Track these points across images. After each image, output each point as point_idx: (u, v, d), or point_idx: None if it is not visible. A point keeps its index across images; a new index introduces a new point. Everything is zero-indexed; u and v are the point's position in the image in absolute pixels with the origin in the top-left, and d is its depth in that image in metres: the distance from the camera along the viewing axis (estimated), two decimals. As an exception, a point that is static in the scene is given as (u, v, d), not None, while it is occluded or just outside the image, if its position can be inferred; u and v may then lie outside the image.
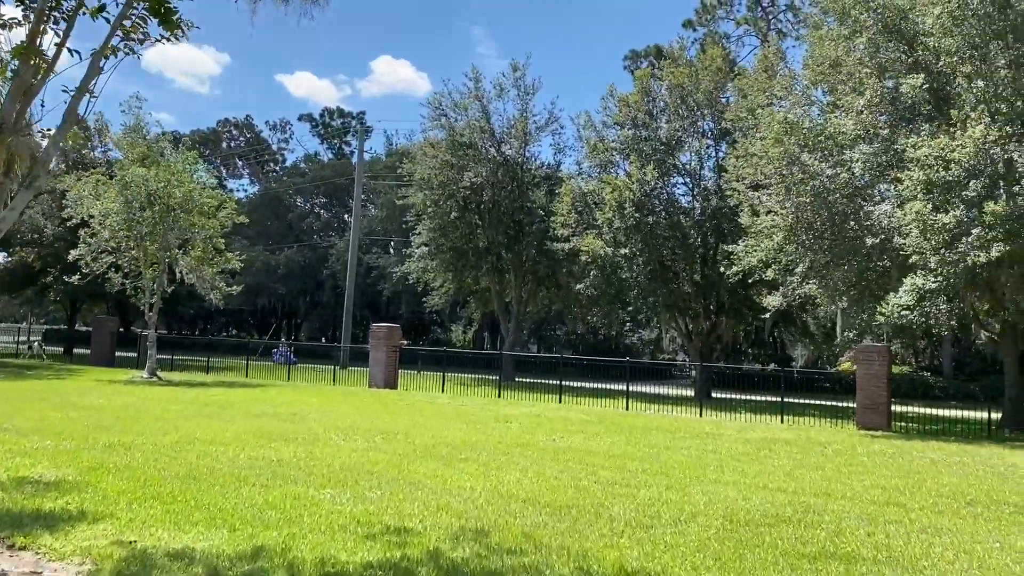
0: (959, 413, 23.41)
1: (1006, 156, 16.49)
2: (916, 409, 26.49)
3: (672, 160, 27.90)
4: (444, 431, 14.48)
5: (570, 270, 33.91)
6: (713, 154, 29.23)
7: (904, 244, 17.63)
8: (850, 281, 20.21)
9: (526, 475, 10.00)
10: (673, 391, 29.49)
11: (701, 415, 21.92)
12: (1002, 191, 16.65)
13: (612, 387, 27.66)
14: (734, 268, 24.09)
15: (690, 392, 31.16)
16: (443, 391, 26.21)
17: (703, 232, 28.12)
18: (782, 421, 21.03)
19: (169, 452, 10.65)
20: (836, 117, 20.83)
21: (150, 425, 13.52)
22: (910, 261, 17.81)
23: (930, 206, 16.81)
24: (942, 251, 16.91)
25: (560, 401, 24.01)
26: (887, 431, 19.37)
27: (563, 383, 25.31)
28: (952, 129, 17.31)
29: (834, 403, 29.42)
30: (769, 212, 20.88)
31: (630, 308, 29.44)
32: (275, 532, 6.61)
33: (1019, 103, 17.95)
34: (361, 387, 26.69)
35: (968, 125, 16.87)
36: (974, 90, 18.24)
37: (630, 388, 24.26)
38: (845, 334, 25.52)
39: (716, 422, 19.93)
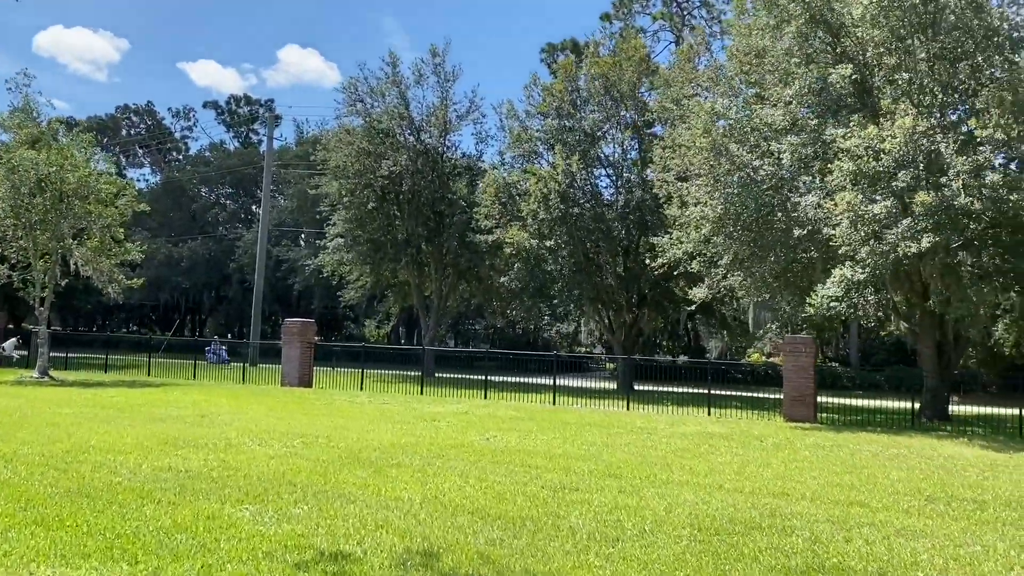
0: (876, 403, 23.74)
1: (933, 147, 16.50)
2: (833, 399, 26.75)
3: (596, 152, 27.44)
4: (369, 433, 13.51)
5: (492, 263, 33.16)
6: (636, 146, 28.91)
7: (834, 235, 17.51)
8: (776, 272, 20.08)
9: (467, 481, 9.18)
10: (595, 384, 29.13)
11: (628, 408, 21.54)
12: (929, 182, 16.63)
13: (536, 381, 27.10)
14: (659, 260, 23.80)
15: (611, 385, 30.92)
16: (362, 389, 25.08)
17: (627, 224, 27.76)
18: (709, 414, 20.81)
19: (59, 464, 9.38)
20: (762, 108, 20.68)
21: (37, 432, 12.09)
22: (840, 252, 17.73)
23: (860, 196, 16.71)
24: (872, 242, 16.85)
25: (485, 397, 23.24)
26: (814, 423, 19.32)
27: (487, 379, 24.49)
28: (881, 119, 17.27)
29: (750, 394, 29.65)
30: (697, 203, 20.55)
31: (554, 301, 28.86)
32: (187, 564, 5.60)
33: (940, 95, 18.09)
34: (273, 385, 25.30)
35: (897, 115, 16.84)
36: (899, 82, 18.30)
37: (555, 382, 23.64)
38: (768, 326, 25.66)
39: (645, 416, 19.52)
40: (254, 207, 64.45)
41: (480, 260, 32.30)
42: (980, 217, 16.26)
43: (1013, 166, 18.40)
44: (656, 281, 28.50)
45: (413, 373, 33.11)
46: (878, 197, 16.59)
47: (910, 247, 15.93)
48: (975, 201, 15.65)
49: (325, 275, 37.71)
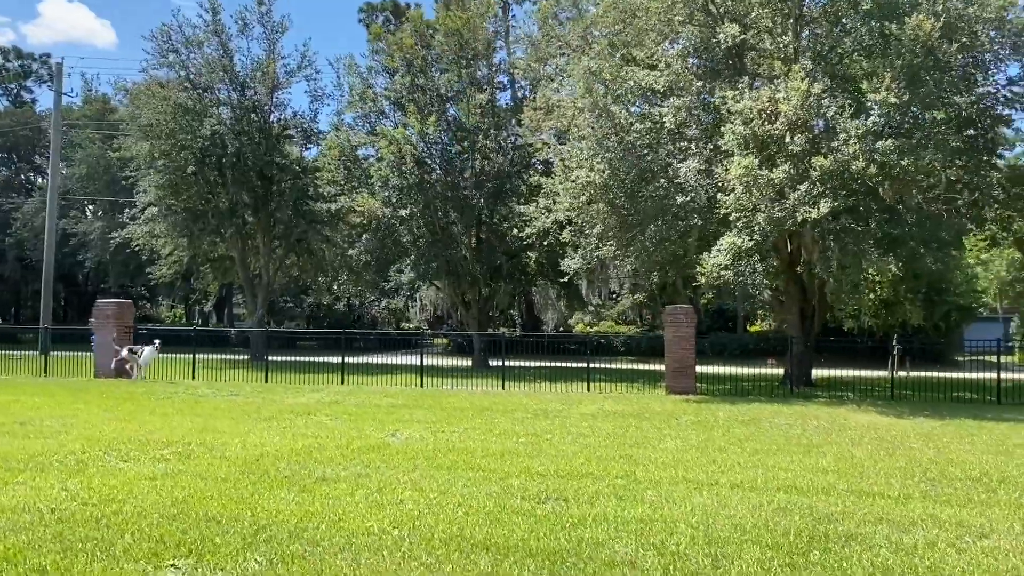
0: (726, 370, 23.81)
1: (827, 111, 16.22)
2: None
3: (450, 114, 25.56)
4: (250, 436, 11.18)
5: (327, 235, 30.50)
6: (493, 109, 27.23)
7: (726, 201, 16.93)
8: (656, 240, 19.35)
9: (429, 497, 7.36)
10: (442, 362, 27.58)
11: (504, 388, 20.17)
12: (823, 147, 16.38)
13: (391, 362, 25.08)
14: (527, 230, 22.53)
15: (461, 361, 29.48)
16: (195, 378, 22.00)
17: (483, 193, 26.20)
18: (588, 389, 19.93)
19: None
20: (639, 69, 19.78)
21: None
22: (731, 219, 17.18)
23: (757, 161, 16.17)
24: (765, 207, 16.40)
25: (343, 382, 21.01)
26: (695, 394, 18.86)
27: (344, 361, 22.17)
28: (775, 81, 16.80)
29: (594, 365, 29.32)
30: (580, 166, 19.36)
31: (401, 273, 26.81)
32: None
33: (832, 58, 17.91)
34: (85, 378, 21.58)
35: (791, 77, 16.41)
36: (784, 44, 17.97)
37: (421, 362, 21.81)
38: (635, 297, 25.17)
39: (530, 395, 18.21)
40: (32, 175, 56.85)
41: (317, 231, 29.56)
42: (871, 183, 16.19)
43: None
44: (512, 253, 27.30)
45: (234, 357, 30.02)
46: (778, 161, 16.11)
47: (809, 212, 15.57)
48: (870, 165, 15.50)
49: (132, 250, 33.31)
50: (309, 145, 31.24)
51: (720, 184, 17.24)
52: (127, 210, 33.48)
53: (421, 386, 20.47)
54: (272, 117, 30.25)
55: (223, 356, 30.62)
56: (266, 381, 21.44)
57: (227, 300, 52.67)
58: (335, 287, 44.53)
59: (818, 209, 15.42)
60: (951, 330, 40.43)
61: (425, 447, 10.26)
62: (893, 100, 15.62)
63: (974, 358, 40.15)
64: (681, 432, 12.00)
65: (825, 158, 15.51)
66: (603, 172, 18.42)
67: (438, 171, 24.97)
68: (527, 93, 27.11)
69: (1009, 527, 6.54)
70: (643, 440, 11.10)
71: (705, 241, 20.70)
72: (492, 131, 26.43)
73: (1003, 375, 25.55)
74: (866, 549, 5.84)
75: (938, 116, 18.27)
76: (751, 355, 36.38)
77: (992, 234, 21.98)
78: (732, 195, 16.62)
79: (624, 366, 30.89)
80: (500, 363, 28.99)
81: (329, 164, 26.65)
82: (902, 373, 29.60)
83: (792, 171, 16.00)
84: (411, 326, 56.88)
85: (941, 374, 24.02)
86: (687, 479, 8.30)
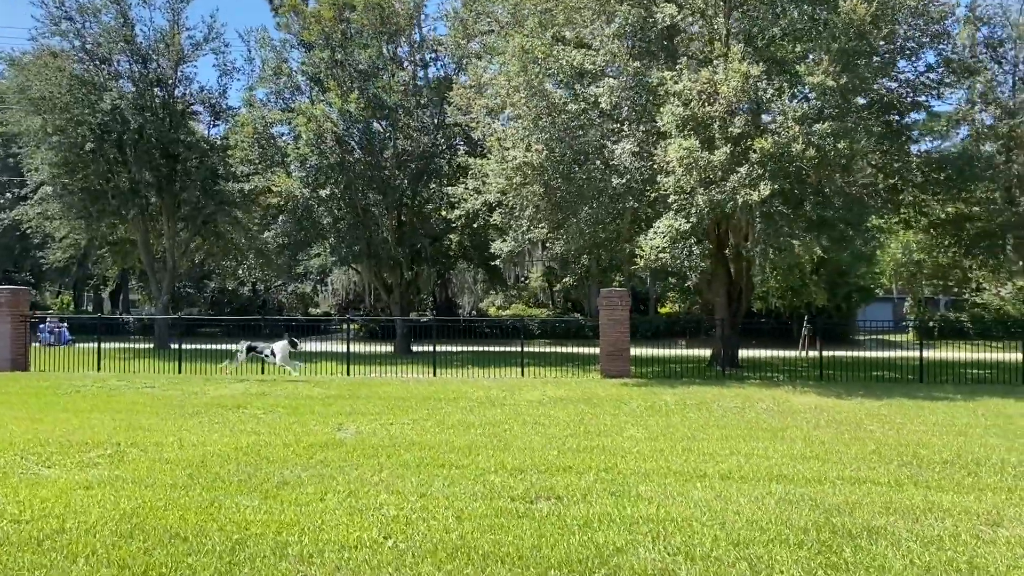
0: (652, 352, 23.93)
1: (767, 93, 16.20)
2: (587, 349, 26.97)
3: (371, 91, 24.51)
4: (182, 434, 10.27)
5: (236, 216, 29.00)
6: (415, 87, 26.26)
7: (665, 183, 16.73)
8: (593, 222, 19.05)
9: (407, 500, 6.78)
10: (363, 348, 26.67)
11: (436, 374, 19.53)
12: (761, 128, 16.36)
13: (308, 349, 24.00)
14: (456, 212, 21.89)
15: (381, 348, 28.60)
16: (100, 368, 20.52)
17: (406, 174, 25.33)
18: (523, 374, 19.54)
19: None
20: (570, 49, 19.39)
21: None
22: (669, 201, 17.02)
23: (698, 142, 16.01)
24: (703, 190, 16.28)
25: (263, 372, 19.94)
26: (630, 378, 18.73)
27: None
28: (714, 63, 16.66)
29: (515, 349, 29.09)
30: (515, 146, 18.82)
31: (319, 256, 25.66)
32: None
33: (761, 42, 17.91)
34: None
35: (729, 59, 16.30)
36: (720, 26, 17.87)
37: (348, 349, 20.93)
38: (565, 280, 24.88)
39: (467, 382, 17.65)
40: None
41: (226, 212, 28.03)
42: (807, 166, 16.27)
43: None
44: (436, 236, 26.60)
45: (134, 347, 28.38)
46: (718, 143, 15.99)
47: (750, 195, 15.52)
48: (809, 148, 15.56)
49: (21, 232, 30.89)
50: (218, 122, 29.59)
51: (659, 166, 17.03)
52: (16, 190, 30.96)
53: (348, 374, 19.64)
54: (177, 92, 28.43)
55: (123, 345, 28.87)
56: (179, 372, 20.17)
57: (123, 286, 49.87)
58: (240, 271, 42.74)
59: (759, 192, 15.38)
60: (851, 310, 42.04)
61: (381, 442, 9.61)
62: (831, 83, 15.70)
63: (872, 337, 42.07)
64: (638, 419, 11.70)
65: (766, 140, 15.47)
66: (540, 152, 17.95)
67: (359, 151, 23.93)
68: (451, 71, 26.33)
69: (1016, 514, 6.43)
70: (605, 429, 10.73)
71: (638, 224, 20.59)
72: (416, 110, 25.55)
73: (906, 353, 26.69)
74: (893, 544, 5.60)
75: (860, 101, 18.63)
76: (662, 336, 37.02)
77: (906, 217, 22.62)
78: (672, 177, 16.42)
79: (545, 349, 30.65)
80: (423, 349, 28.45)
81: (242, 142, 25.21)
82: (813, 353, 30.50)
83: (732, 153, 15.91)
84: (319, 312, 55.25)
85: (850, 353, 24.80)
86: (673, 471, 7.97)
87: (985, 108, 21.76)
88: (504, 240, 20.92)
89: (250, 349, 19.43)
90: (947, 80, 20.02)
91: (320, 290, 51.36)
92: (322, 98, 24.46)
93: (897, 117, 20.72)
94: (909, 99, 20.47)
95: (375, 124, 25.21)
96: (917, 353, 26.78)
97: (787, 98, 15.98)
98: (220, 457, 8.64)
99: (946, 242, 23.36)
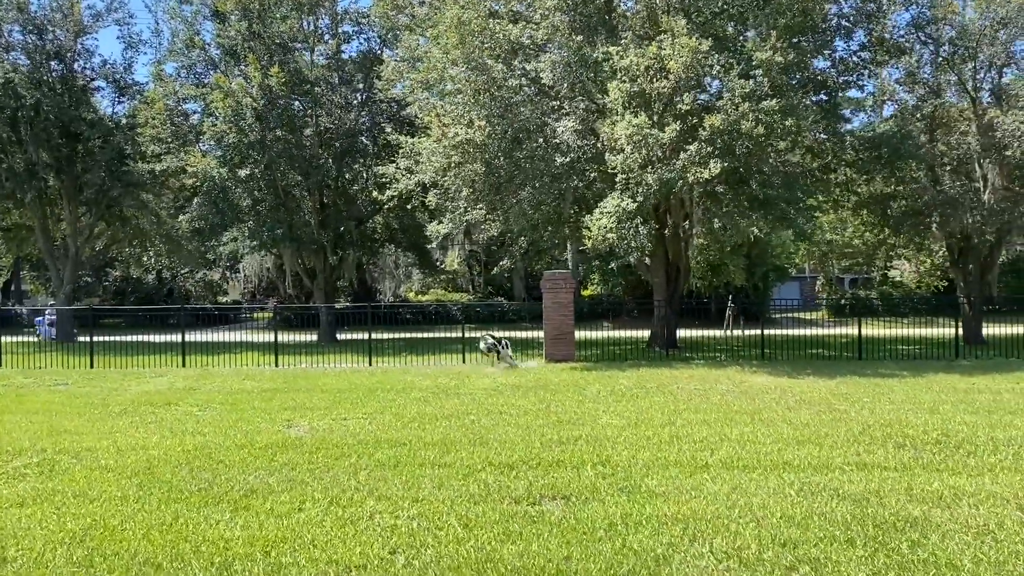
0: (587, 335, 23.57)
1: (713, 69, 15.90)
2: (520, 333, 26.55)
3: (292, 65, 23.16)
4: (116, 436, 9.21)
5: (141, 200, 27.13)
6: (338, 61, 24.95)
7: (614, 161, 16.26)
8: (536, 202, 18.46)
9: (400, 505, 6.06)
10: (285, 337, 25.43)
11: (372, 364, 18.62)
12: (707, 105, 16.07)
13: (220, 339, 22.62)
14: (388, 192, 20.94)
15: (301, 337, 27.35)
16: (1, 364, 18.83)
17: (330, 152, 24.13)
18: (464, 361, 18.84)
19: None
20: (507, 22, 18.69)
21: None
22: (617, 180, 16.57)
23: (647, 119, 15.59)
24: (657, 167, 15.88)
25: (185, 364, 18.66)
26: (575, 362, 18.30)
27: (184, 340, 19.64)
28: (659, 38, 16.23)
29: (443, 334, 28.45)
30: (456, 123, 18.00)
31: (234, 241, 24.18)
32: None
33: (699, 18, 17.60)
34: None
35: (676, 33, 15.91)
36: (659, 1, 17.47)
37: (276, 339, 19.77)
38: (503, 263, 24.21)
39: (403, 370, 16.90)
40: None
41: (133, 195, 26.18)
42: (753, 144, 16.06)
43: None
44: (361, 218, 25.53)
45: (35, 340, 26.41)
46: (667, 120, 15.60)
47: (701, 173, 15.20)
48: (759, 126, 15.34)
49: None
50: (123, 99, 27.52)
51: (605, 144, 16.54)
52: None
53: (276, 365, 18.56)
54: (77, 66, 26.29)
55: (19, 339, 26.77)
56: (92, 366, 18.66)
57: (15, 276, 46.63)
58: (145, 259, 40.45)
59: (709, 170, 15.07)
60: (767, 290, 42.89)
61: (344, 440, 8.81)
62: (779, 59, 15.51)
63: (785, 315, 43.06)
64: (606, 405, 11.21)
65: (717, 117, 15.16)
66: (483, 129, 17.21)
67: (280, 129, 22.61)
68: (375, 46, 25.18)
69: (1044, 496, 6.19)
70: (577, 417, 10.19)
71: (579, 204, 20.12)
72: (339, 86, 24.34)
73: (827, 331, 27.20)
74: (945, 536, 5.23)
75: (792, 80, 18.60)
76: (586, 318, 36.79)
77: (834, 197, 22.86)
78: (621, 155, 15.96)
79: (477, 334, 29.99)
80: (348, 337, 27.35)
81: (152, 119, 23.48)
82: (736, 331, 30.86)
83: (680, 131, 15.55)
84: (228, 300, 52.97)
85: (772, 332, 25.05)
86: (671, 461, 7.48)
87: (911, 89, 22.11)
88: (440, 222, 20.10)
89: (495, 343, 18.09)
90: (878, 59, 20.22)
91: (229, 277, 49.10)
92: (239, 72, 23.00)
93: (825, 97, 20.83)
94: (841, 79, 20.61)
95: (296, 101, 23.89)
96: (839, 331, 27.42)
97: (735, 75, 15.68)
98: (167, 463, 7.71)
99: (873, 221, 23.76)
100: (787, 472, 7.01)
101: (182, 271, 46.88)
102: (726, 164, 15.35)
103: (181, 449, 8.36)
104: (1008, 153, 19.45)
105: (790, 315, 43.54)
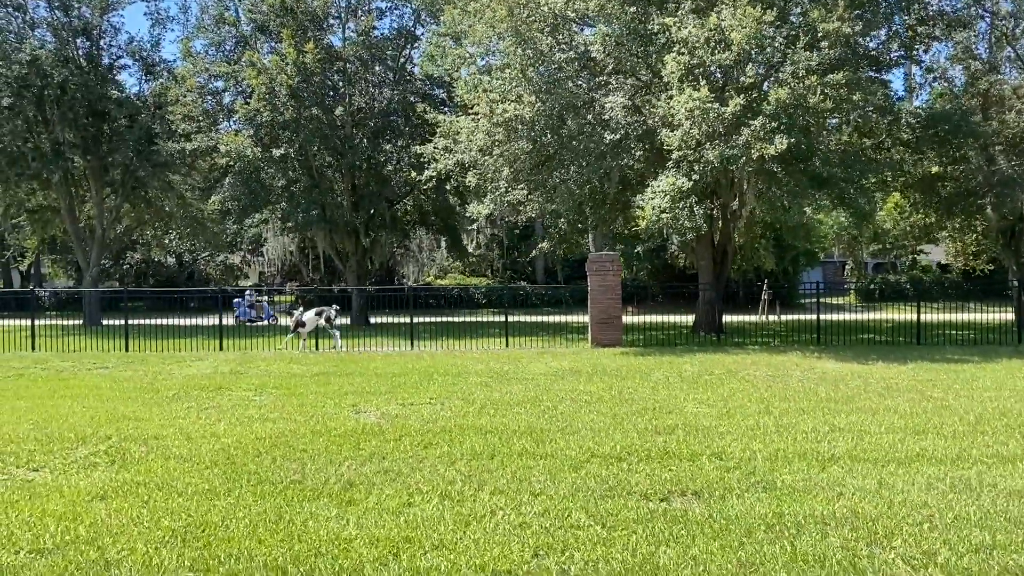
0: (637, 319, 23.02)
1: (780, 41, 15.21)
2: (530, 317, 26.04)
3: (326, 41, 22.52)
4: (180, 423, 8.73)
5: (167, 181, 26.58)
6: (369, 39, 24.25)
7: (670, 137, 15.63)
8: (584, 181, 17.84)
9: (519, 499, 5.53)
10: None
11: (413, 346, 18.12)
12: (775, 79, 15.38)
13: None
14: (427, 173, 20.35)
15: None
16: (35, 348, 18.45)
17: (364, 132, 23.52)
18: (507, 345, 18.31)
19: None
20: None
21: None
22: (674, 156, 15.94)
23: (707, 92, 14.92)
24: (718, 144, 15.23)
25: (222, 348, 18.19)
26: (622, 346, 17.75)
27: (222, 324, 19.17)
28: (717, 8, 15.54)
29: (477, 319, 27.98)
30: (505, 99, 17.36)
31: (264, 223, 23.68)
32: None
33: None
34: None
35: (736, 4, 15.21)
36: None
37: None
38: (541, 245, 23.67)
39: (449, 354, 16.44)
40: None
41: (160, 176, 25.64)
42: (818, 119, 15.42)
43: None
44: (395, 199, 24.97)
45: (59, 323, 25.95)
46: (729, 93, 14.95)
47: (766, 148, 14.55)
48: (827, 100, 14.68)
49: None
50: (149, 77, 26.95)
51: (662, 119, 15.90)
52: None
53: (316, 349, 18.10)
54: (103, 43, 25.76)
55: (43, 322, 26.36)
56: (127, 350, 18.21)
57: (36, 258, 46.23)
58: (167, 241, 40.05)
59: (775, 146, 14.41)
60: (796, 274, 42.12)
61: (425, 427, 8.28)
62: (847, 30, 14.83)
63: (812, 300, 42.33)
64: (683, 392, 10.64)
65: (782, 90, 14.49)
66: (533, 105, 16.58)
67: (314, 108, 22.01)
68: (409, 22, 24.52)
69: None
70: (659, 405, 9.59)
71: (627, 184, 19.50)
72: (373, 64, 23.70)
73: (862, 316, 26.50)
74: None
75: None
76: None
77: (883, 178, 22.14)
78: (679, 130, 15.32)
79: (493, 319, 29.54)
80: (381, 320, 26.86)
81: (183, 96, 22.92)
82: (772, 317, 30.24)
83: (743, 103, 14.88)
84: (249, 284, 52.53)
85: (803, 317, 24.52)
86: (793, 453, 6.89)
87: (967, 65, 21.36)
88: (482, 203, 19.50)
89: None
90: (936, 33, 19.48)
91: (251, 260, 48.62)
92: (271, 49, 22.39)
93: (874, 72, 20.08)
94: (894, 55, 19.87)
95: (332, 77, 23.27)
96: (880, 315, 26.76)
97: (800, 46, 15.00)
98: (246, 452, 7.19)
99: (926, 201, 23.04)
100: (926, 465, 6.44)
101: (202, 254, 46.46)
102: (791, 140, 14.67)
103: (254, 437, 7.85)
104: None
105: (820, 300, 42.93)
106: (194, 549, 4.64)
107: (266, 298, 29.14)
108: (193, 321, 21.90)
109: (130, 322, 19.41)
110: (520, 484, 5.99)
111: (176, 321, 22.17)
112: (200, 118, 23.24)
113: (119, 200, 27.72)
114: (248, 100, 21.70)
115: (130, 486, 6.05)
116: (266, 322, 26.21)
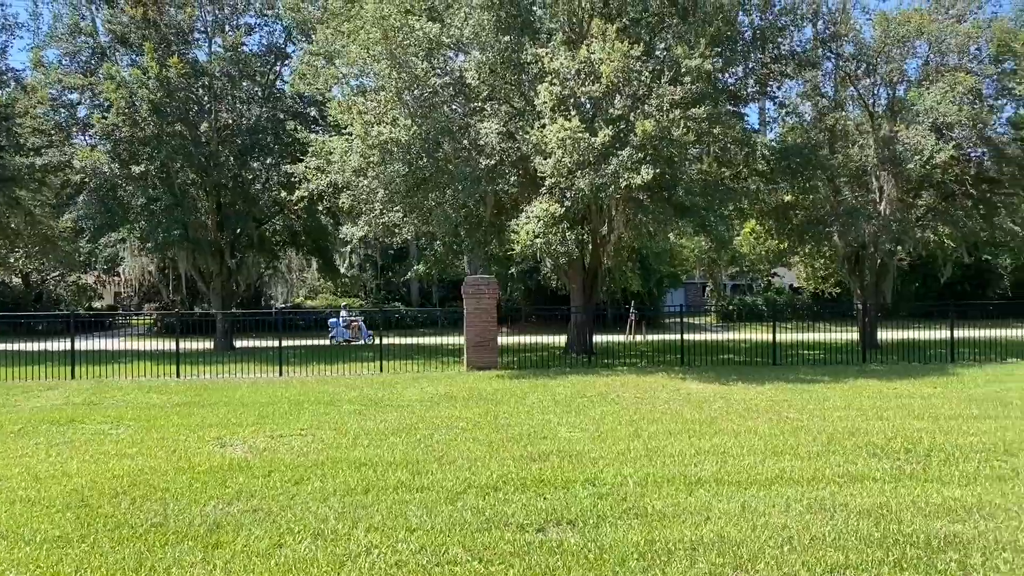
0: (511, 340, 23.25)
1: (646, 75, 15.81)
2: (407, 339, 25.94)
3: (191, 56, 21.68)
4: (26, 459, 8.13)
5: (14, 197, 24.84)
6: (237, 55, 23.57)
7: (543, 165, 15.95)
8: (459, 204, 17.92)
9: (428, 540, 5.47)
10: (173, 345, 23.92)
11: (282, 373, 17.62)
12: (641, 111, 15.93)
13: (102, 348, 20.98)
14: (298, 193, 19.91)
15: (192, 345, 25.72)
16: None
17: (231, 150, 22.76)
18: (381, 369, 18.06)
19: None
20: (424, 20, 18.09)
21: None
22: (547, 183, 16.26)
23: (580, 123, 15.34)
24: (583, 173, 15.66)
25: (75, 376, 17.08)
26: (498, 369, 17.88)
27: (74, 349, 17.99)
28: (591, 41, 16.03)
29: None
30: (380, 122, 17.21)
31: (122, 242, 22.51)
32: None
33: (619, 23, 17.51)
34: None
35: (606, 39, 15.74)
36: (581, 4, 17.31)
37: (177, 347, 18.42)
38: (416, 267, 23.49)
39: (319, 380, 16.03)
40: None
41: (10, 190, 23.91)
42: (680, 151, 16.08)
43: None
44: (262, 219, 24.29)
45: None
46: (598, 124, 15.41)
47: (633, 178, 15.07)
48: (689, 132, 15.36)
49: None
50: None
51: (535, 147, 16.20)
52: None
53: (178, 376, 17.30)
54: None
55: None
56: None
57: None
58: (12, 260, 37.35)
59: (641, 176, 14.96)
60: (660, 296, 43.66)
61: (295, 461, 8.05)
62: (708, 67, 15.59)
63: (675, 320, 44.00)
64: (557, 416, 10.81)
65: (649, 123, 15.07)
66: (408, 128, 16.53)
67: (178, 124, 21.13)
68: (279, 39, 23.96)
69: (1049, 506, 6.18)
70: (533, 431, 9.70)
71: (500, 208, 19.72)
72: (241, 80, 23.01)
73: (702, 336, 27.76)
74: (988, 556, 5.07)
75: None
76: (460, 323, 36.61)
77: (740, 206, 23.31)
78: (551, 159, 15.65)
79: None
80: (245, 344, 25.91)
81: (33, 108, 21.51)
82: (639, 337, 31.21)
83: (612, 133, 15.37)
84: (103, 305, 49.65)
85: (666, 337, 25.42)
86: (662, 478, 7.11)
87: (815, 102, 22.83)
88: (356, 224, 19.23)
89: None
90: (788, 71, 20.75)
91: (106, 280, 46.01)
92: (131, 61, 21.38)
93: (732, 106, 21.21)
94: (750, 90, 21.06)
95: (194, 94, 22.41)
96: (738, 336, 28.12)
97: (664, 81, 15.66)
98: (102, 493, 6.78)
99: (780, 228, 24.40)
100: (785, 487, 6.79)
101: (52, 274, 43.68)
102: (656, 170, 15.26)
103: (111, 475, 7.41)
104: (910, 166, 20.17)
105: (682, 320, 44.70)
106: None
107: (362, 318, 27.82)
108: (42, 346, 20.50)
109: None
110: (396, 520, 5.91)
111: (22, 346, 20.67)
112: (52, 132, 21.89)
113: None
114: (106, 114, 20.61)
115: (-29, 537, 5.58)
116: (364, 342, 25.35)
